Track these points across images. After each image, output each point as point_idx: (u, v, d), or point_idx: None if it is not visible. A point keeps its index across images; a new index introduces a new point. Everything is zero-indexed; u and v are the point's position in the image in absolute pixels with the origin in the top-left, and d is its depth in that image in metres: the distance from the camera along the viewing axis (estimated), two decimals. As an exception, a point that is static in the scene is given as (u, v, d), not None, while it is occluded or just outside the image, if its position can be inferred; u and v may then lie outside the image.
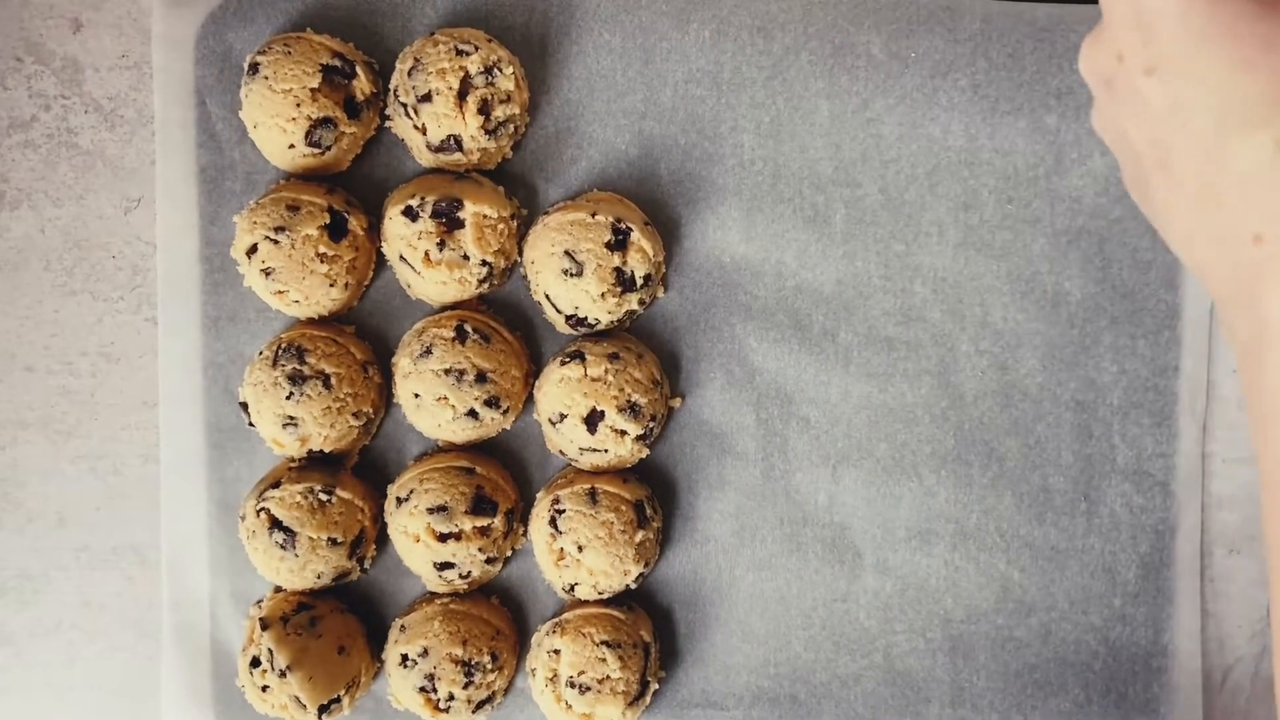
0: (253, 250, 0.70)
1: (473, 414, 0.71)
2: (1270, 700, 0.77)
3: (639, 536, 0.72)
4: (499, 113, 0.70)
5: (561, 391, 0.71)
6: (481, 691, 0.72)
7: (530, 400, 0.74)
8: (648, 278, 0.71)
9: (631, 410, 0.71)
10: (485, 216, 0.70)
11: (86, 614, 0.78)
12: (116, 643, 0.78)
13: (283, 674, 0.70)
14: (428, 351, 0.71)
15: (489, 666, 0.72)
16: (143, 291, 0.77)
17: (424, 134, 0.71)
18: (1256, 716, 0.77)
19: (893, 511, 0.75)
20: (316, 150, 0.71)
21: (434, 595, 0.75)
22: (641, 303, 0.72)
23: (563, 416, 0.71)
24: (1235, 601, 0.76)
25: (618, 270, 0.70)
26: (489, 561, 0.73)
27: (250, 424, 0.72)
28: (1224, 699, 0.77)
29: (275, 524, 0.71)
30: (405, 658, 0.72)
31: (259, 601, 0.75)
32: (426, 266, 0.70)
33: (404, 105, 0.70)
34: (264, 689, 0.71)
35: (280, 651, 0.70)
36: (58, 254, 0.76)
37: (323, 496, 0.71)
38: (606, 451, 0.72)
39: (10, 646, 0.78)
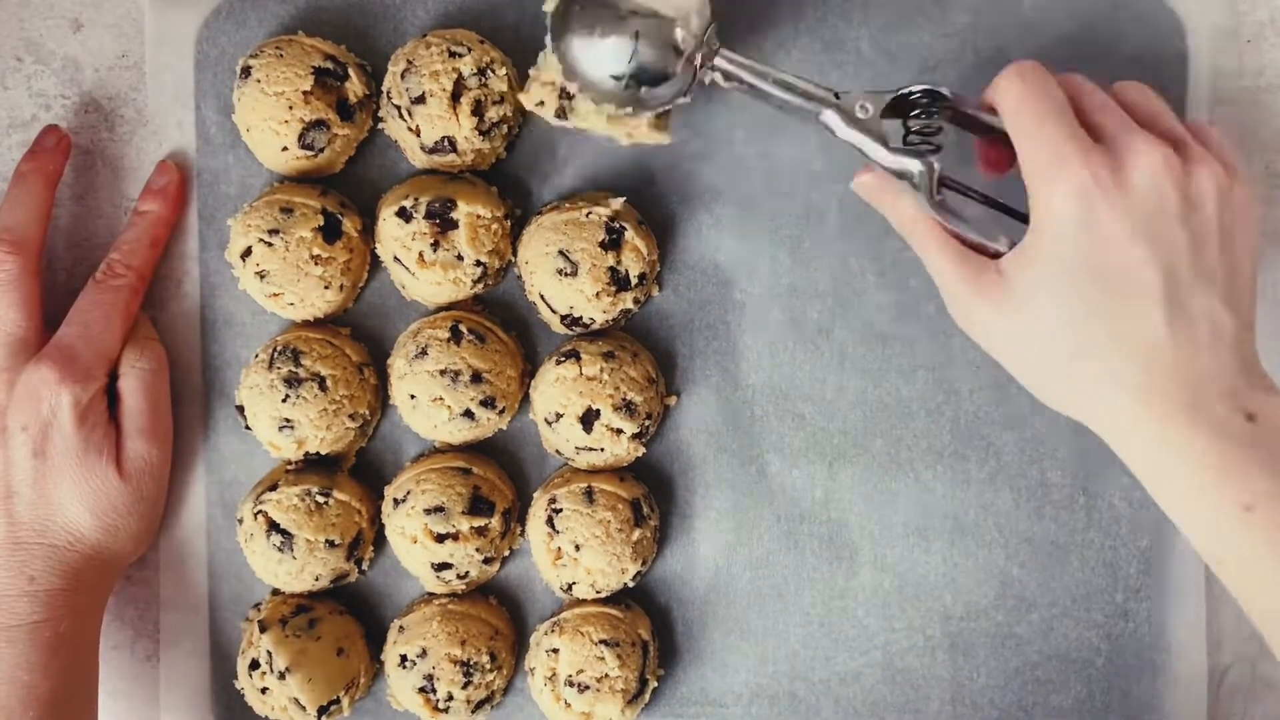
0: (247, 253, 0.71)
1: (469, 414, 0.71)
2: (1268, 700, 0.76)
3: (636, 535, 0.72)
4: (492, 114, 0.70)
5: (557, 391, 0.71)
6: (480, 691, 0.72)
7: (526, 400, 0.74)
8: (642, 277, 0.71)
9: (627, 409, 0.71)
10: (479, 217, 0.70)
11: (89, 616, 0.78)
12: (116, 643, 0.78)
13: (282, 676, 0.70)
14: (423, 352, 0.71)
15: (488, 666, 0.72)
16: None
17: (417, 135, 0.71)
18: (1254, 716, 0.76)
19: (890, 508, 0.75)
20: (310, 152, 0.71)
21: (432, 596, 0.75)
22: (636, 301, 0.72)
23: (559, 416, 0.71)
24: (1234, 602, 0.75)
25: (612, 270, 0.70)
26: (486, 562, 0.73)
27: (247, 427, 0.73)
28: (1222, 700, 0.76)
29: (273, 526, 0.71)
30: (404, 658, 0.72)
31: (257, 604, 0.75)
32: (421, 267, 0.70)
33: (397, 107, 0.71)
34: (263, 691, 0.72)
35: (279, 653, 0.70)
36: (57, 254, 0.77)
37: (320, 499, 0.71)
38: (603, 450, 0.72)
39: (13, 649, 0.79)
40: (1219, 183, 0.59)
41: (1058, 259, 0.58)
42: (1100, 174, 0.57)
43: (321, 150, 0.71)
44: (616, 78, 0.64)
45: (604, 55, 0.63)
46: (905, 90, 0.63)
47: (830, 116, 0.63)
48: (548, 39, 0.65)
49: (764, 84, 0.64)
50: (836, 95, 0.63)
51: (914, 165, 0.62)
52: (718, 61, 0.64)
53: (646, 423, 0.72)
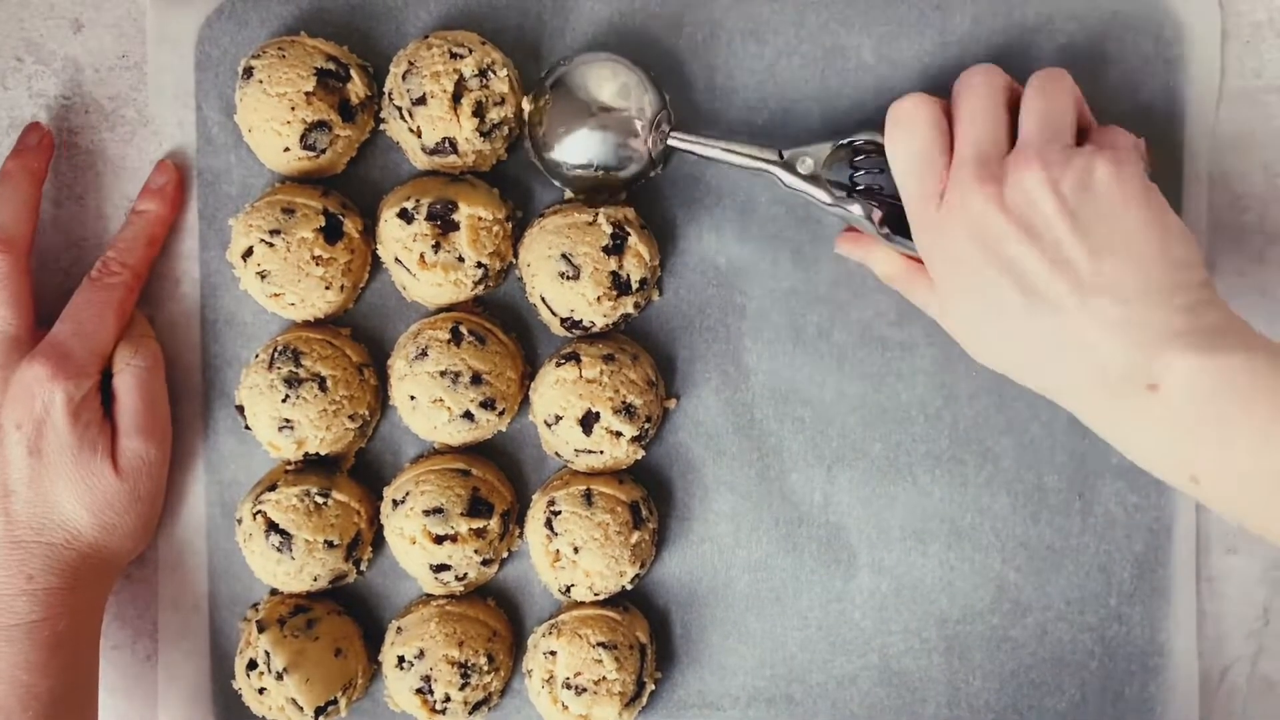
0: (248, 253, 0.71)
1: (468, 416, 0.71)
2: (1267, 700, 0.77)
3: (635, 538, 0.72)
4: (493, 115, 0.70)
5: (557, 393, 0.71)
6: (478, 693, 0.72)
7: (526, 402, 0.74)
8: (643, 281, 0.71)
9: (627, 411, 0.71)
10: (480, 219, 0.70)
11: (86, 615, 0.78)
12: (116, 642, 0.78)
13: (280, 676, 0.70)
14: (423, 353, 0.71)
15: (485, 668, 0.72)
16: (143, 291, 0.77)
17: (419, 137, 0.71)
18: (1253, 717, 0.77)
19: (888, 511, 0.75)
20: (311, 153, 0.71)
21: (430, 597, 0.75)
22: (637, 306, 0.72)
23: (558, 418, 0.71)
24: (1232, 601, 0.76)
25: (614, 274, 0.70)
26: (485, 563, 0.73)
27: (246, 427, 0.73)
28: (1221, 699, 0.77)
29: (272, 527, 0.71)
30: (402, 659, 0.72)
31: (256, 604, 0.75)
32: (421, 269, 0.70)
33: (399, 108, 0.71)
34: (261, 691, 0.71)
35: (277, 654, 0.70)
36: (56, 253, 0.77)
37: (319, 499, 0.71)
38: (602, 453, 0.72)
39: (10, 648, 0.78)
40: (1045, 180, 0.60)
41: (943, 285, 0.65)
42: (928, 210, 0.64)
43: (323, 151, 0.71)
44: (584, 166, 0.72)
45: (573, 150, 0.72)
46: (845, 141, 0.69)
47: (777, 172, 0.70)
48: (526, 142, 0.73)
49: (713, 155, 0.70)
50: (780, 154, 0.70)
51: (856, 209, 0.69)
52: (671, 143, 0.71)
53: (646, 425, 0.72)
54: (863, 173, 0.69)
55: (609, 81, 0.71)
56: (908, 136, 0.64)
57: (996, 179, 0.61)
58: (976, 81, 0.65)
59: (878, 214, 0.68)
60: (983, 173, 0.61)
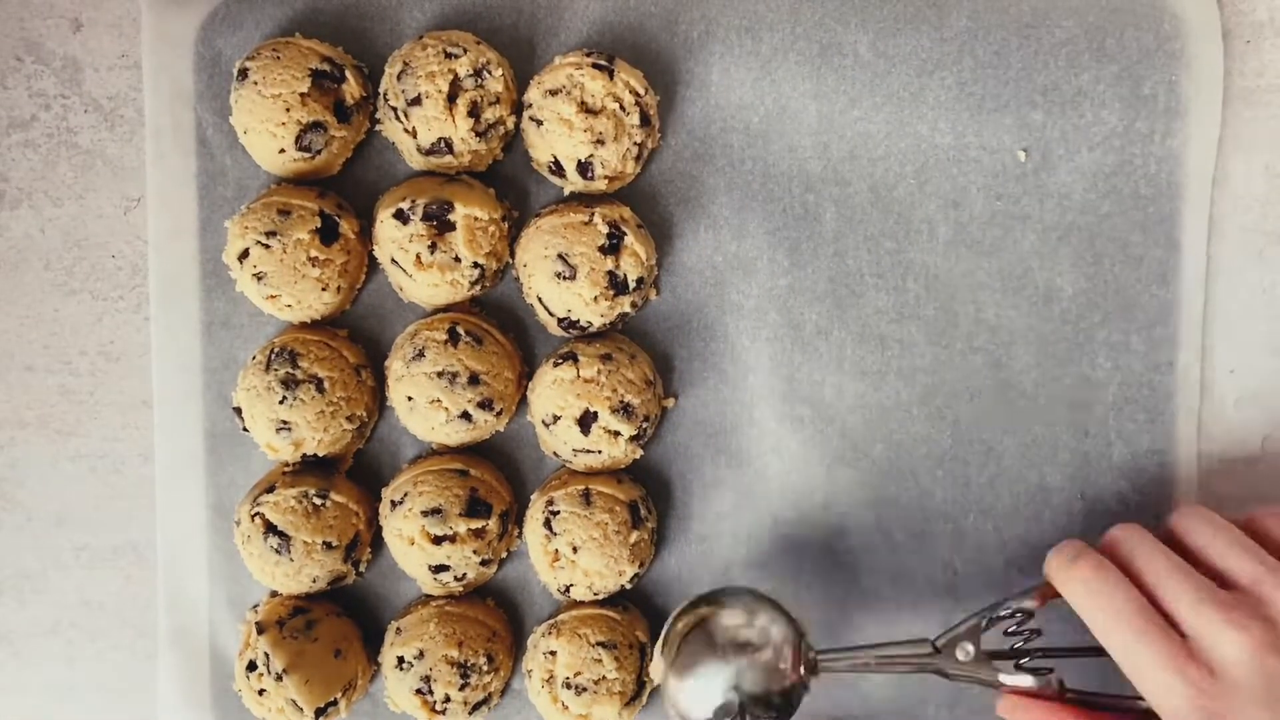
0: (244, 255, 0.70)
1: (466, 416, 0.71)
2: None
3: (634, 537, 0.72)
4: (489, 115, 0.70)
5: (554, 393, 0.71)
6: (478, 693, 0.72)
7: (524, 402, 0.74)
8: (640, 281, 0.71)
9: (625, 411, 0.71)
10: (476, 219, 0.70)
11: (86, 614, 0.79)
12: (116, 642, 0.78)
13: (279, 677, 0.70)
14: (420, 354, 0.71)
15: (485, 668, 0.72)
16: (142, 291, 0.77)
17: (414, 137, 0.70)
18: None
19: (889, 511, 0.75)
20: (307, 154, 0.71)
21: (429, 598, 0.75)
22: (634, 305, 0.72)
23: (556, 418, 0.71)
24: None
25: (610, 274, 0.70)
26: (484, 564, 0.73)
27: (244, 429, 0.73)
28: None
29: (270, 528, 0.71)
30: (401, 660, 0.72)
31: (255, 606, 0.75)
32: (418, 269, 0.70)
33: (394, 109, 0.70)
34: (261, 693, 0.71)
35: (276, 655, 0.71)
36: (57, 253, 0.77)
37: (317, 500, 0.71)
38: (600, 453, 0.72)
39: (9, 646, 0.79)
40: None
41: None
42: (1195, 680, 0.59)
43: (319, 152, 0.71)
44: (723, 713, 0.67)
45: (708, 699, 0.67)
46: (994, 615, 0.67)
47: (939, 664, 0.67)
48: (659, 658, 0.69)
49: (867, 665, 0.68)
50: (935, 647, 0.67)
51: (1028, 680, 0.66)
52: (822, 670, 0.68)
53: (644, 425, 0.72)
54: (1019, 636, 0.68)
55: (744, 628, 0.68)
56: (1102, 580, 0.63)
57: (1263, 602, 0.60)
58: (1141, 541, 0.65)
59: (1055, 679, 0.66)
60: (1237, 618, 0.59)
